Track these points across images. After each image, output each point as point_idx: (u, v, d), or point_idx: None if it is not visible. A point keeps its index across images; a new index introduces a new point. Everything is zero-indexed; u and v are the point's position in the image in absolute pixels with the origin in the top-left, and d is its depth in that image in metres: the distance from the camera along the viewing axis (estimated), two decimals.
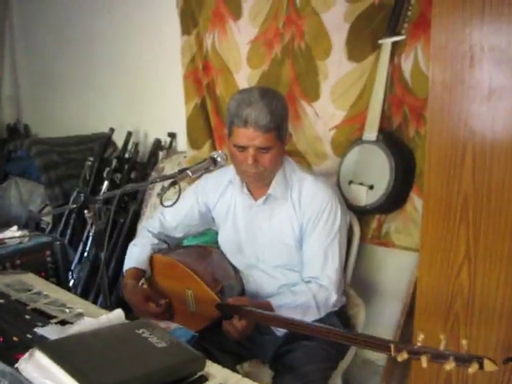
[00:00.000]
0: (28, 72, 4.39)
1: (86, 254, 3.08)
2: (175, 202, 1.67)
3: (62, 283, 1.93)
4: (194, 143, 3.07)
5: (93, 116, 3.83)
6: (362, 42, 2.33)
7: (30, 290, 1.55)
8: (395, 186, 2.19)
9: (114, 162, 3.18)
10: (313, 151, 2.53)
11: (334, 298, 1.82)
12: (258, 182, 1.85)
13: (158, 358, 1.07)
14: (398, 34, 2.21)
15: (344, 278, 2.01)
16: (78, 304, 1.48)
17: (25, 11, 4.26)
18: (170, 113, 3.31)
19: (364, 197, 2.26)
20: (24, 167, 3.65)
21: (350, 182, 2.32)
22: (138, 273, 1.96)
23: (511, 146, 1.67)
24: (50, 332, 1.25)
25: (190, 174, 1.66)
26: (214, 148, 3.01)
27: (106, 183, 3.13)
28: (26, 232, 1.95)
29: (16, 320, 1.30)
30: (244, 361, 1.95)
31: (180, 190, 1.65)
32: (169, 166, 3.10)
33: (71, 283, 2.37)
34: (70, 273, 2.04)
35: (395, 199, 2.23)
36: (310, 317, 1.77)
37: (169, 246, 2.11)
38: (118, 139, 3.50)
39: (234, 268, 2.02)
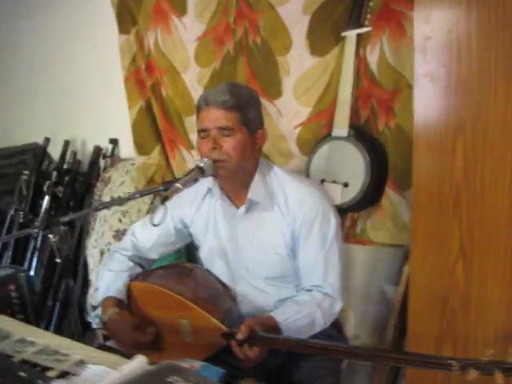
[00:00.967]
0: None
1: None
2: (162, 221, 1.50)
3: (30, 321, 1.71)
4: (141, 149, 2.87)
5: (19, 126, 3.51)
6: (323, 34, 2.24)
7: (7, 337, 1.33)
8: (371, 182, 2.13)
9: (54, 174, 2.91)
10: (277, 151, 2.42)
11: (339, 305, 1.72)
12: (225, 175, 1.65)
13: None
14: (362, 25, 2.14)
15: None
16: (72, 349, 1.27)
17: None
18: (110, 118, 3.09)
19: (339, 195, 2.18)
20: None
21: (323, 181, 2.24)
22: (117, 302, 1.77)
23: (504, 137, 1.64)
24: None
25: (180, 186, 1.49)
26: (164, 153, 2.84)
27: (46, 198, 2.86)
28: None
29: (10, 381, 1.09)
30: (237, 379, 1.81)
31: (166, 208, 1.48)
32: (116, 175, 2.88)
33: None
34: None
35: (372, 195, 2.17)
36: (317, 328, 1.66)
37: (143, 268, 1.93)
38: (52, 150, 3.22)
39: (224, 286, 1.86)
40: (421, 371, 1.92)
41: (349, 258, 2.35)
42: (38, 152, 3.13)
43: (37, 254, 2.84)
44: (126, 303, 1.79)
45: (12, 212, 2.97)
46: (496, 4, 1.58)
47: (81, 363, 1.19)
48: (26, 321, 1.68)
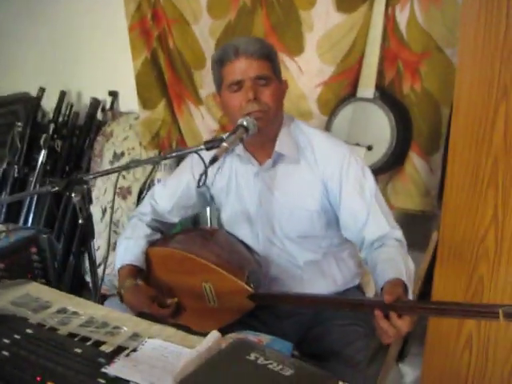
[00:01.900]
0: None
1: None
2: (204, 183, 1.42)
3: (52, 286, 1.62)
4: (146, 103, 2.74)
5: (5, 75, 3.30)
6: None
7: (47, 308, 1.26)
8: (397, 146, 2.09)
9: (51, 127, 2.76)
10: (296, 110, 2.34)
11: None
12: (264, 127, 1.54)
13: None
14: None
15: None
16: (120, 320, 1.22)
17: None
18: (109, 69, 2.95)
19: (362, 158, 2.13)
20: None
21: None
22: (135, 270, 1.70)
23: None
24: (124, 370, 1.00)
25: (227, 146, 1.40)
26: (170, 107, 2.72)
27: (43, 152, 2.73)
28: (1, 226, 1.61)
29: (67, 359, 1.03)
30: None
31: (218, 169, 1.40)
32: (118, 129, 2.77)
33: None
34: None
35: (396, 160, 2.13)
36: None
37: (162, 234, 1.85)
38: (43, 101, 3.05)
39: (249, 248, 1.80)
40: (442, 332, 1.95)
41: None
42: (31, 103, 2.96)
43: (33, 211, 2.73)
44: (144, 271, 1.73)
45: (4, 166, 2.83)
46: None
47: (135, 336, 1.14)
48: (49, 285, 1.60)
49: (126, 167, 1.57)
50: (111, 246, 2.62)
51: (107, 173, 1.62)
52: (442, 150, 2.13)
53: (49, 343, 1.04)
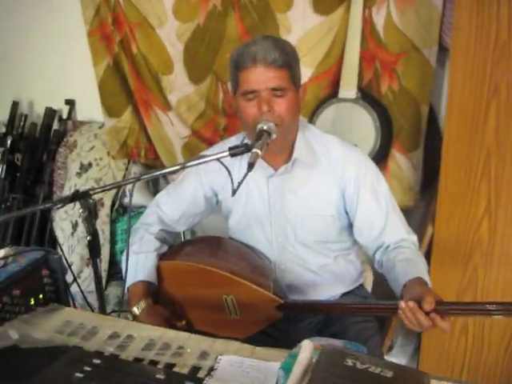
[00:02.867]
0: None
1: None
2: (235, 192, 1.38)
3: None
4: (111, 110, 2.64)
5: None
6: None
7: (95, 333, 1.17)
8: (381, 145, 2.15)
9: (9, 140, 2.58)
10: None
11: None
12: (280, 136, 1.49)
13: None
14: None
15: None
16: (179, 339, 1.15)
17: None
18: (64, 76, 2.80)
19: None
20: None
21: None
22: (148, 288, 1.63)
23: None
24: None
25: (259, 152, 1.36)
26: (136, 114, 2.63)
27: (2, 167, 2.55)
28: (7, 248, 1.48)
29: None
30: None
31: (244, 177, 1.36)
32: (82, 139, 2.63)
33: None
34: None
35: (380, 157, 2.18)
36: None
37: (168, 244, 1.79)
38: None
39: (263, 256, 1.76)
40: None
41: None
42: None
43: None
44: (156, 286, 1.66)
45: None
46: None
47: (204, 355, 1.10)
48: None
49: (138, 179, 1.49)
50: (84, 261, 2.52)
51: (118, 185, 1.54)
52: (423, 147, 2.21)
53: (126, 372, 0.97)
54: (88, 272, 2.50)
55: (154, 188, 2.78)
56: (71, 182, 2.55)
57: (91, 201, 1.45)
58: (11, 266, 1.42)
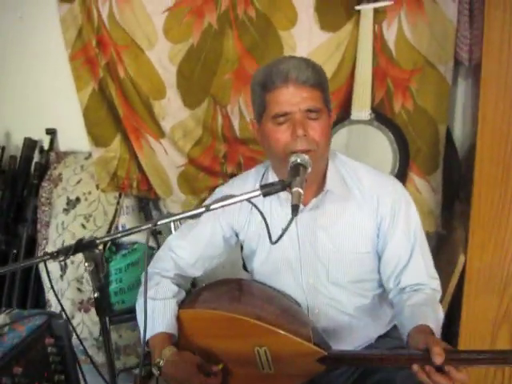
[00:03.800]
0: None
1: None
2: (278, 240, 1.19)
3: (72, 382, 1.30)
4: (98, 140, 2.43)
5: None
6: (334, 8, 2.04)
7: None
8: (400, 168, 2.00)
9: None
10: None
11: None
12: (314, 165, 1.33)
13: None
14: None
15: None
16: None
17: None
18: (43, 104, 2.58)
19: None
20: None
21: None
22: (170, 338, 1.43)
23: None
24: None
25: (301, 191, 1.16)
26: (126, 143, 2.43)
27: None
28: (2, 315, 1.26)
29: None
30: None
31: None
32: (68, 172, 2.41)
33: None
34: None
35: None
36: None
37: (188, 293, 1.59)
38: None
39: (294, 300, 1.57)
40: None
41: None
42: None
43: None
44: (176, 338, 1.46)
45: None
46: None
47: None
48: (69, 382, 1.29)
49: (155, 224, 1.29)
50: (76, 306, 2.29)
51: (130, 232, 1.33)
52: (442, 168, 2.08)
53: None
54: (80, 317, 2.29)
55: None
56: (58, 220, 2.32)
57: (97, 251, 1.25)
58: (9, 337, 1.21)
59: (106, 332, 1.33)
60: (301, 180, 1.21)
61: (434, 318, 1.36)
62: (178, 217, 1.31)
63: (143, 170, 2.42)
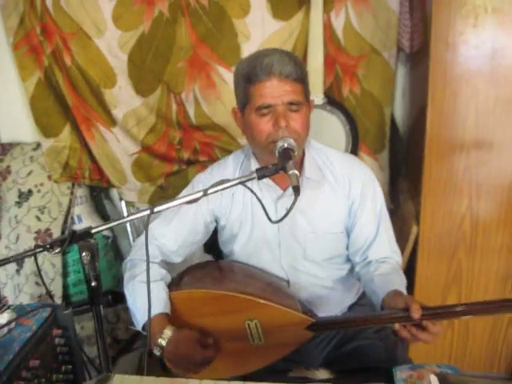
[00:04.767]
0: None
1: None
2: (282, 219, 1.26)
3: (78, 373, 1.31)
4: (46, 130, 2.36)
5: None
6: None
7: None
8: (352, 148, 2.15)
9: None
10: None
11: None
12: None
13: None
14: None
15: None
16: None
17: None
18: None
19: None
20: None
21: None
22: (167, 319, 1.47)
23: None
24: None
25: (296, 172, 1.24)
26: (76, 132, 2.39)
27: None
28: (8, 311, 1.25)
29: None
30: (285, 372, 1.68)
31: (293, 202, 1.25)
32: (16, 164, 2.34)
33: None
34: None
35: None
36: None
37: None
38: None
39: (276, 276, 1.66)
40: None
41: None
42: None
43: None
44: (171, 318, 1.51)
45: None
46: None
47: None
48: (74, 373, 1.31)
49: (152, 212, 1.32)
50: (35, 300, 2.25)
51: (127, 221, 1.36)
52: (388, 148, 2.25)
53: None
54: None
55: (100, 212, 2.56)
56: (10, 214, 2.25)
57: (93, 241, 1.27)
58: (19, 332, 1.21)
59: (100, 322, 1.35)
60: (294, 162, 1.30)
61: (402, 284, 1.51)
62: (174, 203, 1.34)
63: (95, 158, 2.40)
